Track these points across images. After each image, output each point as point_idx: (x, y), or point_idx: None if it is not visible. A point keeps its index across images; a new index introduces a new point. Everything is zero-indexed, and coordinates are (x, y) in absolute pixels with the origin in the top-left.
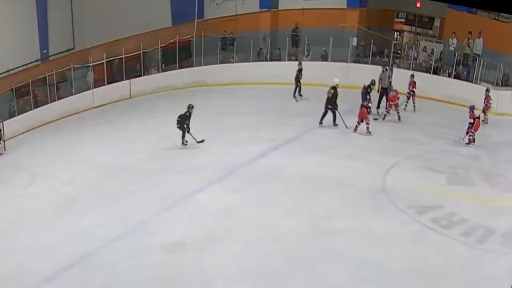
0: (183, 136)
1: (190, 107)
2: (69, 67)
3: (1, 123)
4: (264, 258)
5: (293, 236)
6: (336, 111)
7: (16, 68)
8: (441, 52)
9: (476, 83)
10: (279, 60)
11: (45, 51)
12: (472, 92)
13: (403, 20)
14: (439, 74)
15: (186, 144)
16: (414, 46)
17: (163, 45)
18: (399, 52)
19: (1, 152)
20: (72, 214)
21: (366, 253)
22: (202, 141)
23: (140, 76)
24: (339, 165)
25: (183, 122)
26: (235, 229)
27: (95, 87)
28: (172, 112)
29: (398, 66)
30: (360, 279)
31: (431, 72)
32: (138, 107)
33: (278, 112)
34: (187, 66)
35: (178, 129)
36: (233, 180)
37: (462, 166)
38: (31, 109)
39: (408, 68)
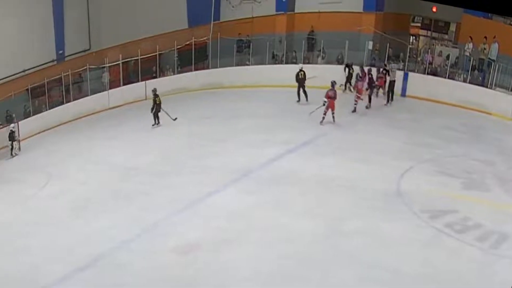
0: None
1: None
2: (84, 67)
3: (16, 124)
4: (278, 260)
5: (307, 238)
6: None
7: (32, 68)
8: (456, 57)
9: (491, 88)
10: (295, 63)
11: (61, 52)
12: (487, 97)
13: (419, 24)
14: (454, 79)
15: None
16: (429, 50)
17: (179, 46)
18: (415, 56)
19: (16, 152)
20: (86, 215)
21: (379, 256)
22: (175, 119)
23: (155, 77)
24: (354, 168)
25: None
26: (250, 231)
27: (110, 88)
28: (187, 113)
29: (413, 70)
30: (373, 282)
31: (447, 76)
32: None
33: (294, 115)
34: (203, 68)
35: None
36: (248, 182)
37: (477, 171)
38: (46, 110)
39: (423, 73)
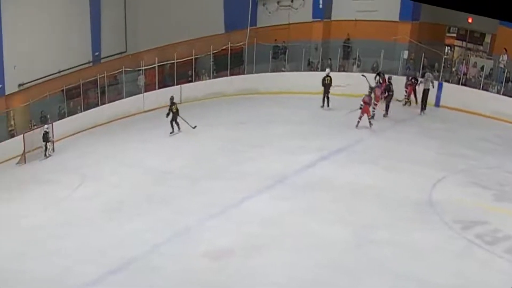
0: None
1: (171, 98)
2: (120, 70)
3: (51, 125)
4: (310, 267)
5: (339, 246)
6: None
7: (68, 69)
8: (491, 68)
9: None
10: (330, 70)
11: (97, 53)
12: None
13: (454, 35)
14: (488, 90)
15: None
16: (464, 61)
17: (215, 51)
18: (449, 66)
19: (50, 153)
20: (119, 217)
21: (410, 266)
22: (195, 127)
23: (191, 81)
24: (387, 176)
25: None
26: (282, 237)
27: (145, 91)
28: (222, 118)
29: (448, 81)
30: None
31: (481, 88)
32: (188, 113)
33: (328, 122)
34: (239, 73)
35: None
36: (282, 189)
37: (510, 183)
38: (81, 111)
39: (457, 83)
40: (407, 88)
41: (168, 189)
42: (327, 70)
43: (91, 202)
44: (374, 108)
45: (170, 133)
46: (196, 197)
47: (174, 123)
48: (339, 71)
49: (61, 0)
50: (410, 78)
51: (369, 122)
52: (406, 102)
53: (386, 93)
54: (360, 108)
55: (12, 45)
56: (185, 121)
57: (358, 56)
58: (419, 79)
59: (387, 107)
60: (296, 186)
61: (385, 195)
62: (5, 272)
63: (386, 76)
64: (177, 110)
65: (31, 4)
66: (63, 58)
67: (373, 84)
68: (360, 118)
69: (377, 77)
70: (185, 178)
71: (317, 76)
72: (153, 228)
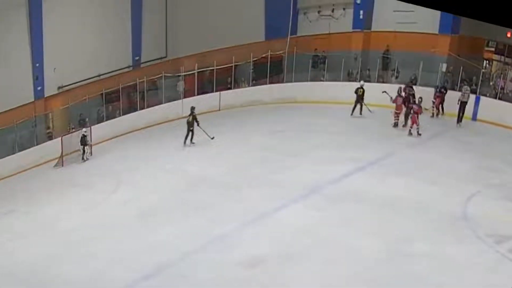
0: (187, 137)
1: (192, 108)
2: (160, 75)
3: (89, 128)
4: (342, 277)
5: (372, 258)
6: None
7: (107, 73)
8: None
9: None
10: (369, 81)
11: (137, 58)
12: None
13: (493, 49)
14: None
15: (193, 143)
16: (502, 75)
17: (255, 59)
18: (487, 80)
19: (88, 157)
20: (154, 223)
21: (442, 279)
22: (213, 137)
23: (230, 88)
24: (421, 189)
25: (192, 126)
26: (316, 247)
27: (185, 97)
28: (260, 127)
29: (485, 95)
30: None
31: None
32: (226, 120)
33: (365, 133)
34: (278, 82)
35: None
36: (316, 199)
37: None
38: (119, 115)
39: (495, 97)
40: (434, 99)
41: (203, 196)
42: (362, 82)
43: (126, 206)
44: (395, 117)
45: (185, 144)
46: (231, 205)
47: (190, 132)
48: (377, 82)
49: (103, 4)
50: (438, 88)
51: (417, 131)
52: (433, 114)
53: (406, 105)
54: (410, 117)
55: (52, 47)
56: (204, 131)
57: (397, 67)
58: (463, 92)
59: (406, 117)
60: (331, 196)
61: (419, 208)
62: (40, 273)
63: (408, 88)
64: (192, 121)
65: (72, 7)
66: (103, 62)
67: (393, 96)
68: (397, 118)
69: (407, 88)
70: (221, 186)
71: (355, 87)
72: (187, 235)
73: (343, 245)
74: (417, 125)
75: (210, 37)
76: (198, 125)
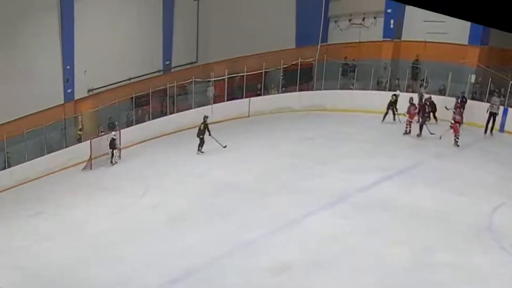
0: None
1: (205, 117)
2: (190, 80)
3: (118, 131)
4: (368, 285)
5: (399, 266)
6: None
7: (138, 77)
8: None
9: None
10: (398, 90)
11: (167, 62)
12: None
13: None
14: None
15: (202, 152)
16: None
17: (285, 66)
18: None
19: (116, 160)
20: (181, 227)
21: None
22: (225, 146)
23: (260, 95)
24: (447, 199)
25: (202, 134)
26: (342, 255)
27: (214, 102)
28: (289, 133)
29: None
30: None
31: None
32: (255, 126)
33: (393, 142)
34: (307, 89)
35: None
36: (343, 207)
37: None
38: (149, 119)
39: None
40: (455, 110)
41: (231, 202)
42: (398, 91)
43: (154, 211)
44: (407, 125)
45: (197, 153)
46: (259, 212)
47: (200, 140)
48: (406, 91)
49: (135, 8)
50: (459, 99)
51: (456, 140)
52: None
53: (421, 114)
54: (450, 127)
55: (83, 50)
56: (216, 140)
57: (426, 77)
58: (492, 103)
59: (421, 127)
60: (358, 204)
61: (445, 218)
62: (67, 276)
63: (425, 97)
64: (205, 128)
65: (104, 10)
66: (133, 66)
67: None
68: (409, 125)
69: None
70: (249, 192)
71: (385, 96)
72: (215, 240)
73: (370, 253)
74: (458, 135)
75: (241, 43)
76: (209, 134)
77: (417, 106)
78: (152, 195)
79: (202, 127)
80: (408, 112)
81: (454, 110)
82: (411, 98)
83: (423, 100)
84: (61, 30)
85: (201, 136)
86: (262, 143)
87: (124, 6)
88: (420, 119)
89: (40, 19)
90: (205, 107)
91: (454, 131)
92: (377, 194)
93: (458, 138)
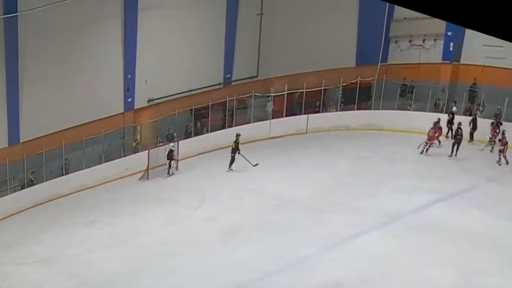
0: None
1: (237, 135)
2: (250, 94)
3: (177, 143)
4: None
5: None
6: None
7: (198, 89)
8: None
9: None
10: (456, 113)
11: (228, 76)
12: None
13: None
14: None
15: (231, 169)
16: None
17: (344, 84)
18: None
19: (173, 172)
20: (234, 241)
21: None
22: (256, 164)
23: (318, 112)
24: (500, 224)
25: (233, 152)
26: (391, 275)
27: (273, 117)
28: (345, 152)
29: None
30: None
31: None
32: (312, 143)
33: (446, 164)
34: (365, 108)
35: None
36: (395, 227)
37: None
38: (207, 132)
39: None
40: (491, 134)
41: (284, 217)
42: (454, 108)
43: (208, 223)
44: (425, 146)
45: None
46: (312, 229)
47: (231, 158)
48: (464, 114)
49: (198, 20)
50: (494, 123)
51: (506, 159)
52: (492, 147)
53: (455, 136)
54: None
55: (145, 59)
56: (246, 158)
57: (483, 101)
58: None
59: (456, 148)
60: (410, 225)
61: (497, 243)
62: (118, 285)
63: (456, 121)
64: (237, 147)
65: (167, 21)
66: (194, 78)
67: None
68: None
69: (471, 123)
70: (303, 208)
71: (442, 118)
72: (266, 255)
73: (418, 274)
74: (504, 154)
75: (301, 59)
76: (239, 153)
77: (438, 128)
78: (207, 207)
79: (234, 146)
80: (428, 134)
81: (490, 135)
82: (438, 119)
83: (457, 124)
84: (124, 38)
85: (233, 154)
86: (319, 160)
87: (187, 17)
88: (453, 139)
89: (103, 27)
90: (263, 121)
91: (503, 151)
92: (429, 216)
93: (506, 157)
